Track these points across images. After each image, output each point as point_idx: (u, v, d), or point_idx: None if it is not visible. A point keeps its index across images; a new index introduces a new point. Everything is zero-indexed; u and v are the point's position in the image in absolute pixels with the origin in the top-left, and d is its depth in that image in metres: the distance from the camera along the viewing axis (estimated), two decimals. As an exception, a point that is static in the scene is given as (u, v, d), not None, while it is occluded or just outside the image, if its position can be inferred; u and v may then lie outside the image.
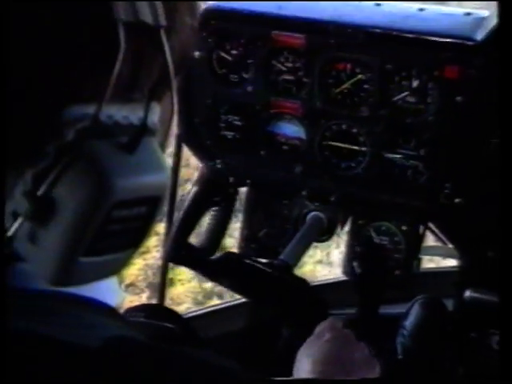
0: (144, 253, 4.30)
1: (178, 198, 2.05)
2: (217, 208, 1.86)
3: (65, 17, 0.72)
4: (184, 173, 3.64)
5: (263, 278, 1.61)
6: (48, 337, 0.75)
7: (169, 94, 0.82)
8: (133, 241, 0.80)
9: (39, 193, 0.73)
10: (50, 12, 0.72)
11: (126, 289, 3.96)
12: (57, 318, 0.78)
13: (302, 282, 1.69)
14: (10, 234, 0.74)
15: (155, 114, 0.79)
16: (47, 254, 0.74)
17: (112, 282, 0.91)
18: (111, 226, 0.75)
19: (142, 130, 0.76)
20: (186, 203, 1.63)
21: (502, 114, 1.00)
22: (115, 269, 0.82)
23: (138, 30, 0.74)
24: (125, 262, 0.82)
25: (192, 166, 3.45)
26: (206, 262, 1.61)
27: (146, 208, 0.77)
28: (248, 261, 1.62)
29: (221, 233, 1.83)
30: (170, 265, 2.22)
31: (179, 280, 4.21)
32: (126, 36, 0.72)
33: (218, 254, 1.69)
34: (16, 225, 0.74)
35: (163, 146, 0.87)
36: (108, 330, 0.80)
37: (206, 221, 1.87)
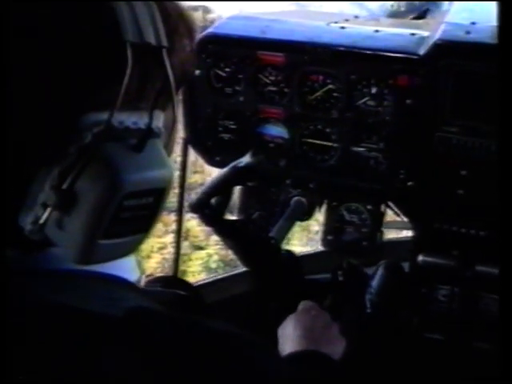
0: (161, 248, 4.18)
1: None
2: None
3: (82, 39, 0.75)
4: (198, 178, 3.63)
5: (257, 247, 1.69)
6: (77, 308, 0.78)
7: (171, 104, 0.84)
8: (143, 226, 0.82)
9: (64, 186, 0.75)
10: (72, 36, 0.75)
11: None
12: (84, 292, 0.82)
13: (287, 252, 1.79)
14: (41, 221, 0.77)
15: (159, 120, 0.82)
16: (72, 237, 0.77)
17: (131, 261, 0.92)
18: (124, 213, 0.77)
19: (148, 134, 0.78)
20: (224, 174, 1.65)
21: (502, 113, 1.00)
22: (129, 250, 0.83)
23: (143, 50, 0.77)
24: (137, 245, 0.83)
25: (206, 173, 3.47)
26: (219, 222, 1.65)
27: (153, 198, 0.80)
28: (248, 233, 1.70)
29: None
30: (183, 258, 2.26)
31: (191, 272, 4.18)
32: (132, 55, 0.75)
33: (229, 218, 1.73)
34: (46, 214, 0.77)
35: (168, 147, 0.88)
36: (128, 302, 0.83)
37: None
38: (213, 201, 1.65)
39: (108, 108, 0.75)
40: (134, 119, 0.78)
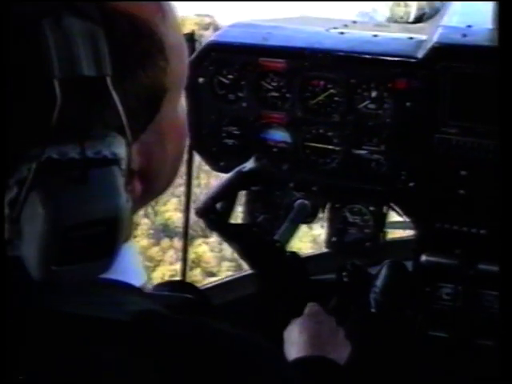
0: (173, 276, 4.07)
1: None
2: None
3: (10, 78, 0.71)
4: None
5: (262, 249, 1.69)
6: (84, 316, 0.77)
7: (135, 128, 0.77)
8: (101, 253, 0.77)
9: (14, 215, 0.73)
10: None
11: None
12: (90, 299, 0.80)
13: (292, 254, 1.77)
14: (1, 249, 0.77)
15: (114, 146, 0.75)
16: (29, 263, 0.75)
17: (137, 266, 0.91)
18: (72, 243, 0.74)
19: (86, 164, 0.73)
20: (229, 178, 1.64)
21: (502, 113, 0.99)
22: (94, 272, 0.79)
23: (78, 82, 0.71)
24: (103, 267, 0.79)
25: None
26: (225, 226, 1.65)
27: (105, 227, 0.75)
28: (253, 236, 1.68)
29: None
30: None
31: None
32: (62, 90, 0.69)
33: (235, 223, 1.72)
34: (4, 240, 0.76)
35: (144, 173, 0.83)
36: (135, 306, 0.82)
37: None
38: (218, 205, 1.63)
39: (45, 142, 0.71)
40: (79, 150, 0.73)
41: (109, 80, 0.72)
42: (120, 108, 0.73)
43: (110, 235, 0.76)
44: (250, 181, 1.73)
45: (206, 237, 7.96)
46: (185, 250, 2.10)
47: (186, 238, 2.11)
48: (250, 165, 1.68)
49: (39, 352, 0.75)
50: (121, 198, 0.76)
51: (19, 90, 0.71)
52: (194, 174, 2.02)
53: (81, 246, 0.75)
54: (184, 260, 2.05)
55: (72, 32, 0.71)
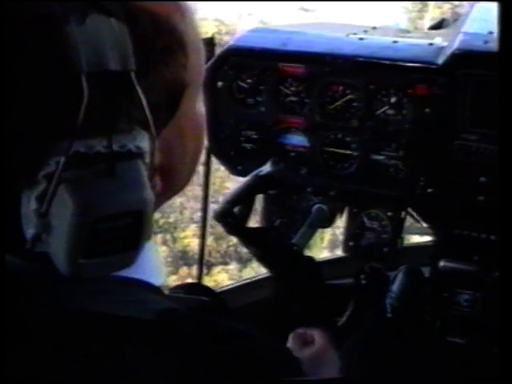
0: None
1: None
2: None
3: (37, 73, 0.72)
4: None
5: (280, 253, 1.68)
6: (108, 314, 0.78)
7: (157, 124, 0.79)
8: (127, 245, 0.78)
9: (42, 210, 0.74)
10: (27, 70, 0.72)
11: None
12: (114, 298, 0.81)
13: (309, 259, 1.78)
14: (28, 245, 0.76)
15: (138, 140, 0.77)
16: (57, 257, 0.76)
17: (157, 265, 0.92)
18: (100, 235, 0.75)
19: (113, 157, 0.75)
20: (247, 183, 1.64)
21: (502, 118, 0.97)
22: (118, 266, 0.80)
23: (104, 77, 0.72)
24: (128, 260, 0.80)
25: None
26: (243, 230, 1.64)
27: (132, 219, 0.76)
28: (270, 240, 1.67)
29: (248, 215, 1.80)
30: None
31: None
32: (89, 85, 0.71)
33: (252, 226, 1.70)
34: (32, 235, 0.76)
35: (165, 167, 0.84)
36: (158, 305, 0.83)
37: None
38: (236, 209, 1.63)
39: (73, 136, 0.72)
40: (105, 143, 0.75)
41: (133, 75, 0.74)
42: (144, 102, 0.75)
43: (135, 228, 0.77)
44: (267, 185, 1.72)
45: (225, 264, 7.94)
46: (201, 251, 2.08)
47: (204, 237, 2.08)
48: (266, 169, 1.68)
49: (65, 350, 0.75)
50: (147, 190, 0.77)
51: (47, 85, 0.72)
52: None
53: (108, 239, 0.76)
54: (200, 264, 2.03)
55: (98, 29, 0.73)
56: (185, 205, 3.77)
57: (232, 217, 1.63)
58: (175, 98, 0.82)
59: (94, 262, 0.76)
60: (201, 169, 1.97)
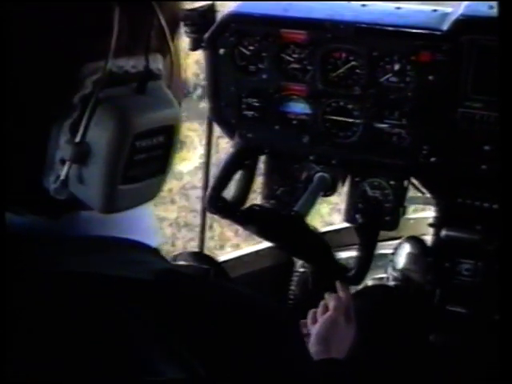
0: None
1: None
2: (244, 170, 1.84)
3: None
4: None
5: (281, 224, 1.65)
6: (107, 275, 0.76)
7: (169, 48, 0.80)
8: (159, 167, 0.80)
9: (77, 139, 0.73)
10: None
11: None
12: (112, 258, 0.80)
13: (312, 227, 1.77)
14: (62, 177, 0.75)
15: (158, 63, 0.79)
16: (93, 187, 0.75)
17: (154, 227, 0.92)
18: (137, 155, 0.76)
19: (147, 75, 0.77)
20: (222, 165, 1.63)
21: (502, 111, 0.97)
22: (150, 194, 0.81)
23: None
24: (157, 189, 0.81)
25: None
26: (236, 212, 1.63)
27: (164, 137, 0.78)
28: (269, 212, 1.66)
29: (247, 190, 1.84)
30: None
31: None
32: (119, 4, 0.72)
33: (245, 206, 1.69)
34: (65, 169, 0.75)
35: (173, 91, 0.84)
36: (156, 265, 0.82)
37: (237, 179, 1.85)
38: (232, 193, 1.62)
39: (104, 56, 0.72)
40: (132, 63, 0.76)
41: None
42: (165, 25, 0.77)
43: (167, 146, 0.78)
44: (241, 158, 1.71)
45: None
46: (203, 225, 2.05)
47: (205, 213, 2.06)
48: (236, 141, 1.65)
49: (62, 311, 0.73)
50: (176, 107, 0.79)
51: (79, 7, 0.72)
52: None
53: (144, 160, 0.76)
54: (202, 233, 2.01)
55: None
56: (176, 235, 3.72)
57: (221, 201, 1.62)
58: (175, 28, 0.83)
59: (131, 188, 0.76)
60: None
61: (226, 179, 1.56)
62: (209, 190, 1.59)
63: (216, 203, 1.56)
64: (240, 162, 1.74)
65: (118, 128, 0.73)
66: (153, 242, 0.87)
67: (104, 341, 0.72)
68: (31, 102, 0.73)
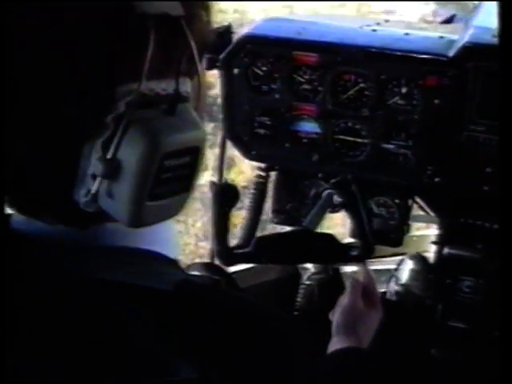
0: None
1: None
2: (254, 191, 1.87)
3: (106, 16, 0.75)
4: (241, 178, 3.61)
5: (292, 244, 1.67)
6: (128, 284, 0.79)
7: (196, 71, 0.83)
8: (184, 186, 0.82)
9: (108, 156, 0.76)
10: (97, 13, 0.75)
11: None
12: (133, 268, 0.82)
13: (325, 235, 1.77)
14: (93, 191, 0.78)
15: (186, 86, 0.82)
16: (122, 202, 0.77)
17: (173, 240, 0.95)
18: (165, 174, 0.78)
19: (177, 98, 0.79)
20: (213, 220, 1.56)
21: (502, 116, 0.99)
22: (174, 211, 0.84)
23: (163, 20, 0.76)
24: (180, 206, 0.84)
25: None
26: (245, 255, 1.59)
27: (190, 157, 0.80)
28: (277, 237, 1.66)
29: (259, 213, 1.85)
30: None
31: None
32: (153, 26, 0.75)
33: (253, 243, 1.64)
34: (96, 184, 0.77)
35: (198, 112, 0.86)
36: (175, 276, 0.84)
37: (247, 202, 1.88)
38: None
39: (137, 78, 0.75)
40: (162, 86, 0.79)
41: (183, 21, 0.78)
42: (194, 48, 0.79)
43: (192, 166, 0.81)
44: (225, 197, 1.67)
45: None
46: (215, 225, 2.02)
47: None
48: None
49: (90, 318, 0.76)
50: (202, 129, 0.82)
51: (115, 29, 0.75)
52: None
53: (170, 178, 0.79)
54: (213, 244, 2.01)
55: None
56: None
57: (229, 252, 1.61)
58: (202, 51, 0.86)
59: (157, 204, 0.79)
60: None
61: (225, 232, 1.54)
62: (214, 244, 1.56)
63: (226, 256, 1.54)
64: (227, 202, 1.68)
65: (149, 148, 0.75)
66: (172, 253, 0.89)
67: (125, 343, 0.75)
68: (67, 119, 0.76)
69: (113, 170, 0.76)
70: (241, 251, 1.54)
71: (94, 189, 0.78)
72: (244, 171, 3.92)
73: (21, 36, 0.73)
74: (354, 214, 1.65)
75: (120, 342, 0.75)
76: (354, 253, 1.50)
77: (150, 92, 0.78)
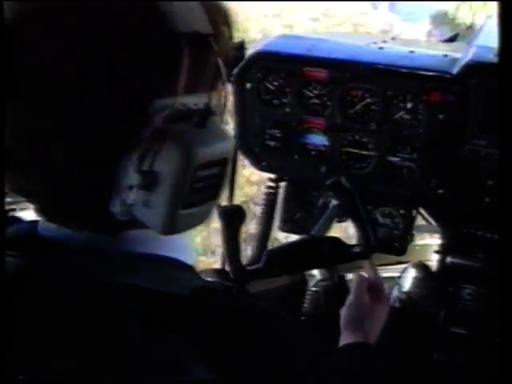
0: None
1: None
2: (264, 203, 1.92)
3: (145, 37, 0.78)
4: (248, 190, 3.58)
5: (301, 252, 1.60)
6: (146, 288, 0.80)
7: (222, 85, 0.87)
8: (213, 195, 0.86)
9: (145, 168, 0.78)
10: (136, 34, 0.78)
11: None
12: (152, 274, 0.84)
13: (330, 238, 1.70)
14: (129, 202, 0.80)
15: (214, 99, 0.85)
16: (157, 212, 0.80)
17: (191, 247, 0.96)
18: (197, 184, 0.80)
19: (208, 112, 0.82)
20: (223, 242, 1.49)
21: (503, 131, 1.02)
22: (203, 218, 0.87)
23: (194, 38, 0.79)
24: (209, 213, 0.87)
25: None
26: (257, 271, 1.55)
27: (219, 168, 0.83)
28: (285, 246, 1.62)
29: (270, 224, 1.88)
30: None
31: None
32: (186, 45, 0.78)
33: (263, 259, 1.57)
34: (132, 195, 0.80)
35: (223, 122, 0.90)
36: (192, 282, 0.86)
37: (258, 213, 1.93)
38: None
39: (171, 94, 0.78)
40: (193, 101, 0.81)
41: (211, 38, 0.81)
42: (221, 63, 0.83)
43: (219, 177, 0.84)
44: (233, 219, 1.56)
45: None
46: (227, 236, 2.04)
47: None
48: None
49: (112, 320, 0.77)
50: (231, 140, 0.85)
51: (153, 48, 0.78)
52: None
53: (202, 188, 0.82)
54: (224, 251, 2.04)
55: None
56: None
57: (242, 270, 1.53)
58: (228, 67, 0.88)
59: (189, 212, 0.82)
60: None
61: (237, 252, 1.48)
62: (227, 264, 1.54)
63: (240, 275, 1.53)
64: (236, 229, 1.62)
65: (184, 160, 0.79)
66: (189, 259, 0.92)
67: (145, 342, 0.77)
68: (107, 133, 0.79)
69: (150, 181, 0.79)
70: (253, 267, 1.55)
71: (130, 199, 0.81)
72: (242, 186, 3.92)
73: (63, 51, 0.77)
74: (352, 214, 1.62)
75: (137, 343, 0.77)
76: (357, 250, 1.51)
77: (183, 107, 0.81)
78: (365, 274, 1.55)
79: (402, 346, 1.75)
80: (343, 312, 1.50)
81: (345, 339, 1.44)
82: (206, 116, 0.82)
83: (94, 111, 0.78)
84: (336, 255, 1.53)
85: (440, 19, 8.87)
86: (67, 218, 0.85)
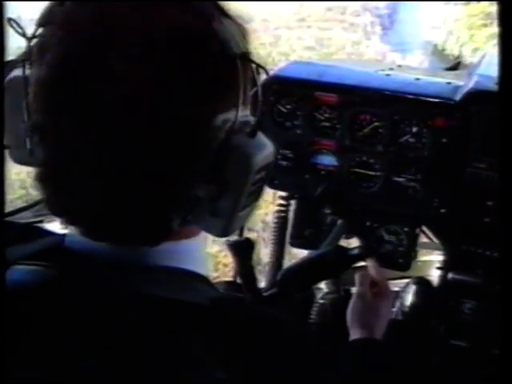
0: None
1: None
2: (276, 223, 1.97)
3: (210, 59, 0.80)
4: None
5: (311, 268, 1.62)
6: (166, 298, 0.81)
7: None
8: (257, 197, 0.89)
9: (213, 178, 0.81)
10: (202, 56, 0.79)
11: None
12: (172, 285, 0.85)
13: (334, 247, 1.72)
14: (194, 212, 0.83)
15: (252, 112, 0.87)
16: (223, 218, 0.84)
17: (205, 258, 0.97)
18: (252, 187, 0.84)
19: (260, 123, 0.85)
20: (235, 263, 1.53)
21: (503, 155, 0.99)
22: (248, 218, 0.89)
23: (243, 58, 0.82)
24: (251, 214, 0.90)
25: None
26: (274, 296, 1.56)
27: (265, 172, 0.86)
28: (295, 267, 1.62)
29: (283, 244, 1.93)
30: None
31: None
32: (241, 64, 0.81)
33: (278, 283, 1.60)
34: (199, 205, 0.83)
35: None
36: (210, 292, 0.88)
37: (271, 231, 1.98)
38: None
39: (231, 108, 0.82)
40: (244, 113, 0.85)
41: (238, 59, 0.83)
42: (259, 80, 0.86)
43: (263, 181, 0.88)
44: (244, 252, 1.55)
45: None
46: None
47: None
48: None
49: (135, 330, 0.78)
50: (272, 147, 0.88)
51: (217, 70, 0.81)
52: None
53: (253, 191, 0.86)
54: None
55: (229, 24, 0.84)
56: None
57: (262, 297, 1.56)
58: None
59: (241, 214, 0.86)
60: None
61: (253, 280, 1.48)
62: (245, 292, 1.52)
63: (258, 302, 1.50)
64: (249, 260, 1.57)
65: (248, 167, 0.83)
66: (205, 271, 0.94)
67: (167, 349, 0.77)
68: (175, 147, 0.81)
69: (219, 190, 0.83)
70: (270, 293, 1.56)
71: (196, 209, 0.83)
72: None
73: (139, 77, 0.77)
74: (347, 219, 1.67)
75: (162, 352, 0.77)
76: (357, 251, 1.55)
77: (240, 119, 0.84)
78: (367, 271, 1.57)
79: (405, 357, 1.77)
80: (349, 310, 1.52)
81: (352, 336, 1.47)
82: (258, 127, 0.86)
83: (164, 131, 0.79)
84: (338, 260, 1.56)
85: (430, 50, 9.00)
86: (119, 235, 0.85)
